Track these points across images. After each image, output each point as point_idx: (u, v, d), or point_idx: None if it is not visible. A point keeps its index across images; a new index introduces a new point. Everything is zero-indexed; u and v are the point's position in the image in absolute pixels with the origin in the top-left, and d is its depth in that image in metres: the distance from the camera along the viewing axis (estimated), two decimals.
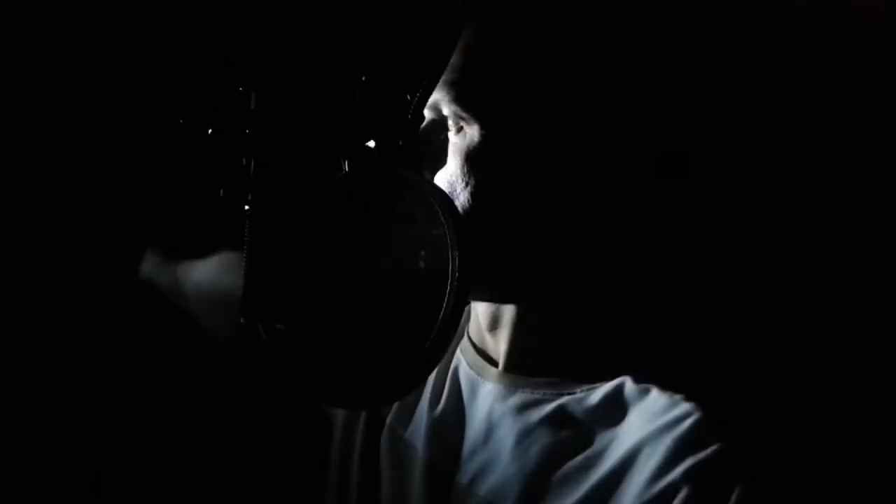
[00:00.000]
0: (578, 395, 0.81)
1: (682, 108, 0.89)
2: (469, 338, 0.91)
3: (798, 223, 0.95)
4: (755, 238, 0.96)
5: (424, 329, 0.69)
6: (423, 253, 0.72)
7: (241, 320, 0.74)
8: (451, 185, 0.80)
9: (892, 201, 0.92)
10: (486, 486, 0.82)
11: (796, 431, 0.90)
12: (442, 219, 0.71)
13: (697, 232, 0.94)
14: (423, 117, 0.82)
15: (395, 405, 0.93)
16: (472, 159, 0.79)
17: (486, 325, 0.87)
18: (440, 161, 0.82)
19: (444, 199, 0.73)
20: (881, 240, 0.93)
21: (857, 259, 0.94)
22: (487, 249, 0.80)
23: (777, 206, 0.95)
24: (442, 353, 0.71)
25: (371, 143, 0.78)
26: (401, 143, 0.82)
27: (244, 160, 0.74)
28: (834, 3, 0.92)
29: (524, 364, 0.85)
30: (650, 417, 0.76)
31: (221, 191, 0.75)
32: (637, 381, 0.79)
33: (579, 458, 0.78)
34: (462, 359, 0.90)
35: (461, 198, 0.79)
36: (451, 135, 0.81)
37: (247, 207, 0.75)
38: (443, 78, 0.80)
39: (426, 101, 0.81)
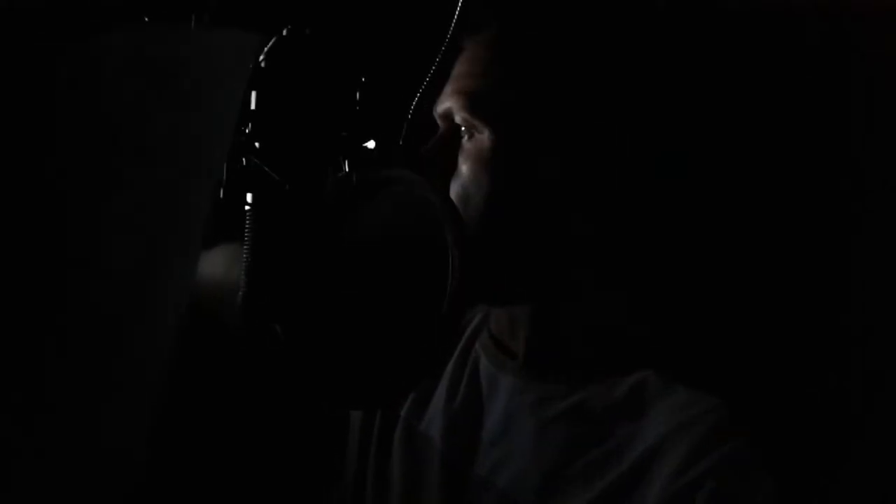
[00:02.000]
0: (600, 390, 0.81)
1: (682, 109, 0.89)
2: (489, 332, 0.91)
3: (798, 223, 0.95)
4: (755, 238, 0.96)
5: (425, 328, 0.69)
6: (423, 252, 0.72)
7: (243, 322, 0.74)
8: (465, 189, 0.81)
9: (892, 201, 0.92)
10: (503, 479, 0.82)
11: (797, 431, 0.90)
12: (441, 217, 0.70)
13: (698, 232, 0.94)
14: (422, 117, 0.83)
15: (410, 398, 0.93)
16: (484, 164, 0.80)
17: (504, 325, 0.88)
18: (455, 168, 0.83)
19: (444, 197, 0.73)
20: (881, 239, 0.93)
21: (857, 258, 0.94)
22: (502, 253, 0.81)
23: (777, 206, 0.95)
24: (442, 352, 0.71)
25: (371, 143, 0.78)
26: (401, 142, 0.83)
27: (244, 160, 0.74)
28: (834, 3, 0.92)
29: (543, 359, 0.85)
30: (674, 411, 0.76)
31: (221, 191, 0.75)
32: (660, 376, 0.79)
33: (601, 451, 0.78)
34: (481, 353, 0.91)
35: (474, 202, 0.80)
36: (464, 141, 0.82)
37: (247, 207, 0.75)
38: (453, 87, 0.82)
39: (426, 101, 0.81)
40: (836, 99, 0.94)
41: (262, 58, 0.73)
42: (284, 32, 0.74)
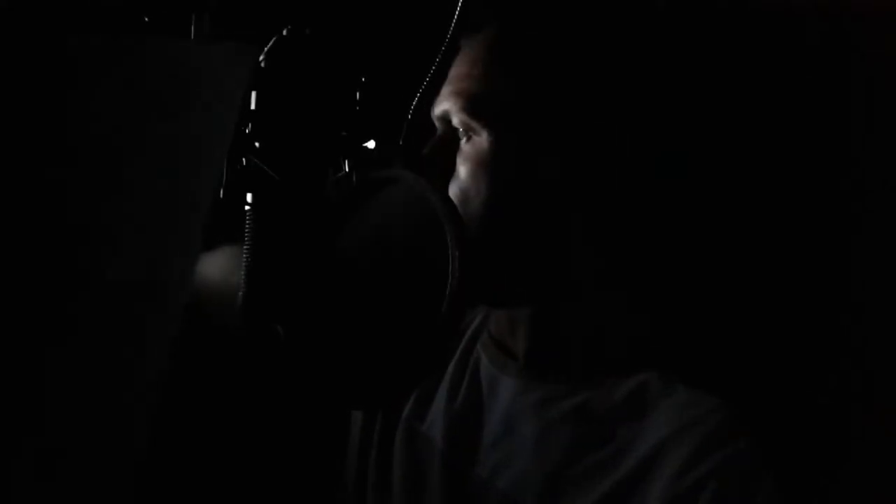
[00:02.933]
0: (601, 391, 0.81)
1: (682, 109, 0.89)
2: (490, 333, 0.91)
3: (798, 224, 0.95)
4: (755, 238, 0.96)
5: (426, 329, 0.69)
6: (423, 252, 0.72)
7: (243, 323, 0.74)
8: (464, 192, 0.81)
9: (891, 201, 0.92)
10: (505, 480, 0.82)
11: (797, 431, 0.90)
12: (441, 217, 0.70)
13: (698, 232, 0.94)
14: (422, 117, 0.83)
15: (412, 400, 0.93)
16: (483, 167, 0.80)
17: (505, 325, 0.88)
18: (454, 169, 0.83)
19: (444, 197, 0.73)
20: (881, 240, 0.93)
21: (857, 258, 0.94)
22: (502, 254, 0.81)
23: (778, 206, 0.95)
24: (443, 352, 0.71)
25: (371, 143, 0.78)
26: (401, 142, 0.83)
27: (244, 160, 0.74)
28: (834, 3, 0.93)
29: (545, 360, 0.85)
30: (676, 412, 0.76)
31: (221, 191, 0.75)
32: (662, 376, 0.79)
33: (603, 452, 0.78)
34: (482, 354, 0.91)
35: (474, 204, 0.80)
36: (462, 143, 0.82)
37: (247, 207, 0.75)
38: (451, 88, 0.82)
39: (426, 101, 0.81)
40: (836, 99, 0.94)
41: (262, 58, 0.73)
42: (284, 32, 0.74)
